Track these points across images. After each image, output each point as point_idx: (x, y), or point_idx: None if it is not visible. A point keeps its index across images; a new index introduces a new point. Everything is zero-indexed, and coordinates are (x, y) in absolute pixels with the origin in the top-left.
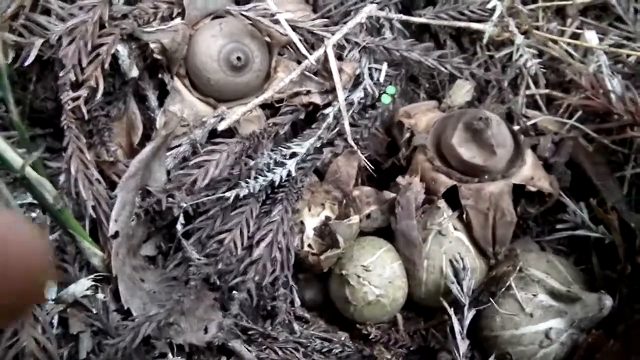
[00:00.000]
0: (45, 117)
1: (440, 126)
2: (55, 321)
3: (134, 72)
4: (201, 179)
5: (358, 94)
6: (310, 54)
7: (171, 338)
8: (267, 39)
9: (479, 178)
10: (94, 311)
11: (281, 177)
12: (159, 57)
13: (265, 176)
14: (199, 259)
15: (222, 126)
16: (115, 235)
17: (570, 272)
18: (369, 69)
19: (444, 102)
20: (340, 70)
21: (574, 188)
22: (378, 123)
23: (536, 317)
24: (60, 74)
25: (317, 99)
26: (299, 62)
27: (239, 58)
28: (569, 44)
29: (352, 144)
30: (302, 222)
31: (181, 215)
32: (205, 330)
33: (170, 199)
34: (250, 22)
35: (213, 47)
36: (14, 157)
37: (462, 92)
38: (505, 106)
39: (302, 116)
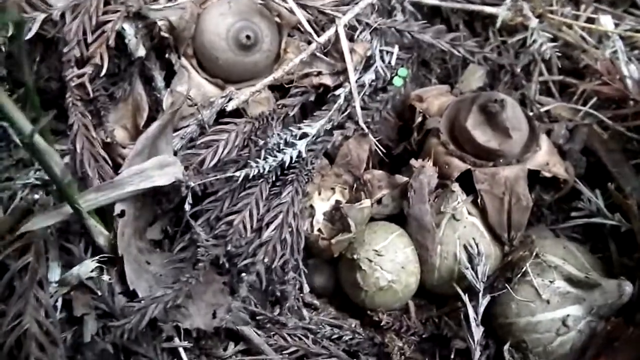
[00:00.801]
0: (50, 98)
1: (454, 109)
2: (59, 304)
3: (141, 52)
4: (209, 159)
5: (369, 76)
6: (320, 35)
7: (178, 321)
8: (277, 19)
9: (494, 162)
10: (99, 293)
11: (291, 158)
12: (166, 35)
13: (275, 156)
14: (207, 240)
15: (230, 106)
16: (122, 214)
17: (587, 258)
18: (380, 51)
19: (456, 87)
20: (352, 51)
21: (588, 176)
22: (389, 106)
23: (553, 304)
24: (65, 50)
25: (327, 80)
26: (310, 43)
27: (248, 37)
28: (583, 28)
29: (363, 126)
30: (312, 206)
31: (189, 195)
32: (214, 315)
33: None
34: (260, 1)
35: (222, 25)
36: (24, 123)
37: (474, 77)
38: (519, 92)
39: (312, 98)
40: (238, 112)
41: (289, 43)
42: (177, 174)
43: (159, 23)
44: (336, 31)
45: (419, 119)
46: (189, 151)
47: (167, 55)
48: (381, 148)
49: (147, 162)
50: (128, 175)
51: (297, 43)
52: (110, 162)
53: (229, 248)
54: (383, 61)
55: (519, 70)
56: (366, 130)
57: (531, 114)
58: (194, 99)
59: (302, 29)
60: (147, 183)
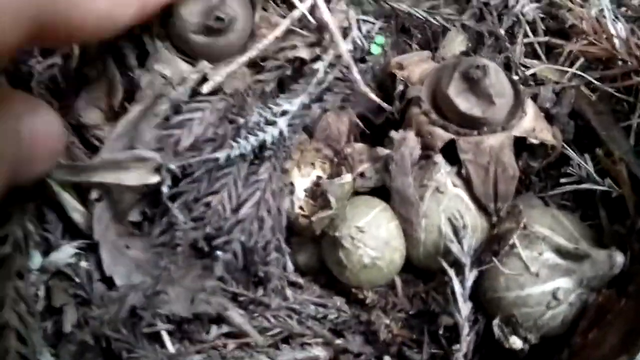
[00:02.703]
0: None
1: (435, 77)
2: (41, 293)
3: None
4: (185, 138)
5: (347, 47)
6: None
7: (158, 308)
8: None
9: (478, 131)
10: (77, 280)
11: (272, 136)
12: None
13: (257, 135)
14: (185, 223)
15: (205, 89)
16: (100, 198)
17: (576, 227)
18: (357, 20)
19: (438, 53)
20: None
21: (577, 140)
22: (369, 77)
23: (542, 277)
24: None
25: (303, 54)
26: (284, 17)
27: (219, 18)
28: None
29: (368, 90)
30: (291, 183)
31: (168, 177)
32: (192, 300)
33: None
34: None
35: (193, 7)
36: None
37: (455, 42)
38: (503, 55)
39: (288, 72)
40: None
41: (262, 18)
42: (151, 175)
43: None
44: (314, 1)
45: (400, 87)
46: (164, 132)
47: (139, 34)
48: (365, 120)
49: (123, 153)
50: (102, 163)
51: (270, 18)
52: (82, 146)
53: (207, 230)
54: (360, 31)
55: (502, 32)
56: (370, 93)
57: (516, 77)
58: (171, 77)
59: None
60: (116, 178)
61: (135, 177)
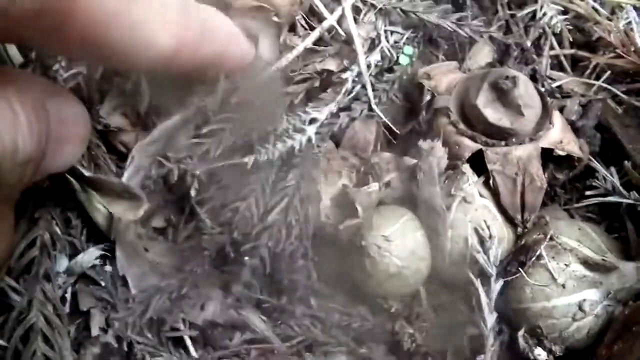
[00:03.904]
0: None
1: (463, 87)
2: (68, 295)
3: None
4: (214, 148)
5: (375, 57)
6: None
7: (183, 312)
8: (275, 18)
9: (506, 141)
10: (103, 284)
11: (301, 143)
12: None
13: (285, 142)
14: (212, 228)
15: (235, 99)
16: None
17: (604, 239)
18: (385, 31)
19: (464, 64)
20: (359, 34)
21: (603, 152)
22: (396, 87)
23: (569, 288)
24: None
25: (331, 65)
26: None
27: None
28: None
29: (375, 108)
30: (318, 191)
31: (195, 182)
32: (219, 305)
33: (182, 166)
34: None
35: None
36: None
37: (482, 53)
38: (529, 67)
39: (316, 84)
40: None
41: (288, 38)
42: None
43: None
44: (342, 13)
45: (427, 97)
46: (194, 140)
47: None
48: (387, 130)
49: (119, 182)
50: (105, 181)
51: (295, 41)
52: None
53: (235, 236)
54: (388, 41)
55: (529, 44)
56: (377, 112)
57: (543, 89)
58: None
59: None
60: (107, 202)
61: (121, 208)
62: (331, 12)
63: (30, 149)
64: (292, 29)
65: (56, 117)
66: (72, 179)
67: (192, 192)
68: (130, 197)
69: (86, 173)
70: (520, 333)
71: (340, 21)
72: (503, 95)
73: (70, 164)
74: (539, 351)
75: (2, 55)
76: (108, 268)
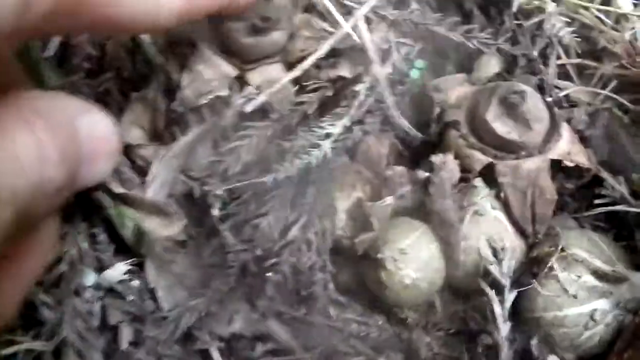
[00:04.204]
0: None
1: (473, 101)
2: (96, 309)
3: (159, 59)
4: (233, 165)
5: (386, 70)
6: (337, 27)
7: (211, 328)
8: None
9: (516, 154)
10: (130, 298)
11: (317, 159)
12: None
13: (301, 158)
14: (235, 245)
15: (250, 107)
16: None
17: (613, 250)
18: (396, 43)
19: (472, 74)
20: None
21: (610, 161)
22: (407, 100)
23: (580, 299)
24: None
25: (345, 72)
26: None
27: (264, 18)
28: (600, 10)
29: (396, 116)
30: (333, 205)
31: (217, 202)
32: (244, 318)
33: (205, 188)
34: None
35: None
36: None
37: (490, 64)
38: (537, 77)
39: (329, 92)
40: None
41: (302, 20)
42: (169, 229)
43: None
44: (355, 22)
45: (437, 110)
46: (213, 157)
47: (180, 50)
48: (403, 141)
49: (152, 200)
50: (136, 198)
51: (310, 20)
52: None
53: (257, 252)
54: (399, 53)
55: (535, 54)
56: (392, 125)
57: (549, 99)
58: (212, 78)
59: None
60: (140, 218)
61: (155, 224)
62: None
63: (60, 178)
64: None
65: (87, 134)
66: (102, 195)
67: (215, 212)
68: (164, 214)
69: (119, 190)
70: (534, 341)
71: (354, 29)
72: (512, 110)
73: (101, 179)
74: (552, 358)
75: (38, 74)
76: (135, 283)
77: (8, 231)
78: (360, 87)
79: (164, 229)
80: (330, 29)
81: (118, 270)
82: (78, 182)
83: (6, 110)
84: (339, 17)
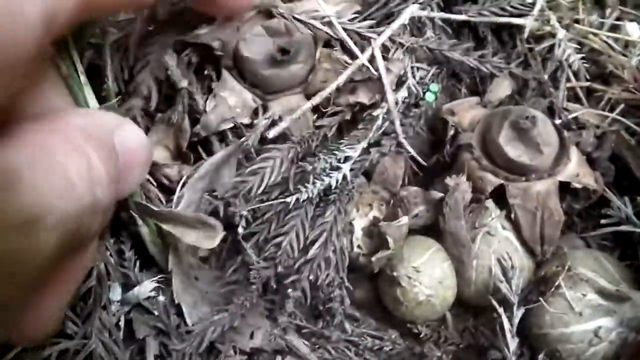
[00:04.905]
0: None
1: (485, 124)
2: (121, 323)
3: (184, 83)
4: (256, 186)
5: (402, 94)
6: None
7: (235, 342)
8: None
9: (526, 177)
10: (156, 313)
11: (337, 181)
12: (220, 53)
13: (323, 180)
14: (258, 262)
15: (272, 134)
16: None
17: (617, 270)
18: (412, 67)
19: (485, 97)
20: (388, 70)
21: (617, 182)
22: (422, 121)
23: (585, 316)
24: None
25: (364, 99)
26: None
27: (284, 51)
28: (609, 36)
29: (404, 142)
30: (350, 223)
31: (242, 221)
32: (266, 333)
33: (230, 208)
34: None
35: (260, 41)
36: None
37: (502, 87)
38: (547, 100)
39: (347, 117)
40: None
41: (323, 53)
42: (210, 240)
43: (214, 44)
44: (372, 52)
45: (451, 133)
46: (237, 178)
47: (206, 72)
48: (415, 165)
49: (190, 213)
50: (170, 214)
51: (331, 54)
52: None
53: (279, 269)
54: (414, 77)
55: (546, 77)
56: (407, 146)
57: (559, 121)
58: (235, 105)
59: (342, 47)
60: (179, 232)
61: (194, 238)
62: (362, 50)
63: (108, 199)
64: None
65: (122, 147)
66: (134, 214)
67: (240, 230)
68: (203, 227)
69: (153, 207)
70: (541, 357)
71: (371, 59)
72: (523, 134)
73: (133, 191)
74: None
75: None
76: (161, 298)
77: (53, 256)
78: (377, 112)
79: (205, 241)
80: (350, 61)
81: (146, 287)
82: (117, 196)
83: (53, 130)
84: (355, 48)
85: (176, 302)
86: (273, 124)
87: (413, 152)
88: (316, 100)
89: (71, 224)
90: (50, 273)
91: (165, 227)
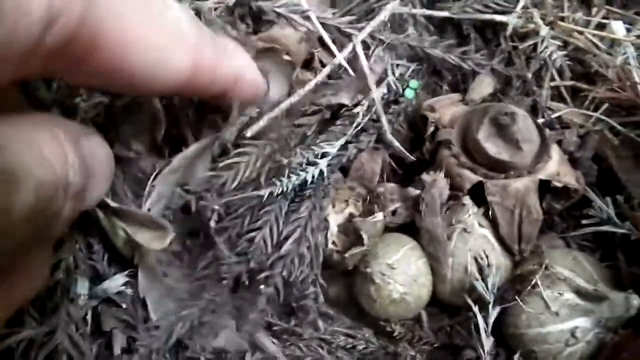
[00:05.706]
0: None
1: (465, 121)
2: (89, 317)
3: None
4: (231, 181)
5: (382, 90)
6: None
7: (203, 338)
8: (287, 56)
9: (505, 174)
10: (124, 306)
11: (313, 176)
12: None
13: (298, 175)
14: (229, 258)
15: (250, 132)
16: None
17: (596, 269)
18: (392, 64)
19: (467, 95)
20: (371, 70)
21: (599, 183)
22: (402, 118)
23: (562, 316)
24: None
25: (345, 100)
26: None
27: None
28: (594, 35)
29: (392, 139)
30: (326, 219)
31: (214, 215)
32: (235, 330)
33: (202, 202)
34: (268, 44)
35: None
36: None
37: (484, 85)
38: (530, 98)
39: (327, 116)
40: None
41: (299, 75)
42: (159, 241)
43: None
44: (353, 48)
45: (431, 129)
46: (210, 172)
47: None
48: (397, 158)
49: (144, 212)
50: (129, 212)
51: (307, 77)
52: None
53: (251, 265)
54: (394, 74)
55: (529, 76)
56: (394, 142)
57: (542, 120)
58: None
59: (322, 45)
60: (133, 231)
61: (145, 237)
62: (341, 47)
63: (79, 182)
64: (309, 63)
65: (89, 155)
66: (97, 208)
67: (212, 224)
68: (155, 227)
69: (112, 203)
70: (516, 357)
71: (353, 56)
72: (502, 130)
73: (99, 200)
74: None
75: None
76: (129, 291)
77: (27, 218)
78: (358, 109)
79: (154, 242)
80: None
81: (116, 281)
82: (84, 202)
83: (34, 121)
84: (333, 47)
85: (141, 296)
86: (251, 122)
87: (401, 148)
88: (294, 99)
89: (45, 192)
90: (20, 258)
91: (119, 223)
